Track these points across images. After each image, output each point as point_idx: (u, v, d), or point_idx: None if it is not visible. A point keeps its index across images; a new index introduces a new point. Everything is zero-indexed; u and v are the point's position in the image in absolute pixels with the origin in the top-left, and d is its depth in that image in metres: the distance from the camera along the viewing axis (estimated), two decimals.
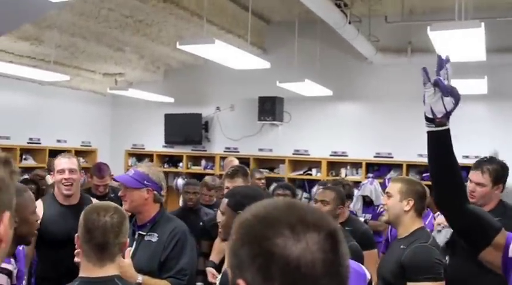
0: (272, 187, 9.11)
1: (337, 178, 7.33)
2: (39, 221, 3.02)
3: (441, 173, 2.03)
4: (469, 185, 3.49)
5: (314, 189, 9.16)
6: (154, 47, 8.51)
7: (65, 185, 3.87)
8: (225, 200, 2.81)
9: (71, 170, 3.89)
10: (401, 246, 3.16)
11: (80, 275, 2.34)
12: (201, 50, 5.47)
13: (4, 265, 2.63)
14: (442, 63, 2.00)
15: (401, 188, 3.29)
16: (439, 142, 2.00)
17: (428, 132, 2.01)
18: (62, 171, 3.88)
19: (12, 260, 2.73)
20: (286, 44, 8.92)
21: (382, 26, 8.38)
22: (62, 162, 3.92)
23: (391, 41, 8.69)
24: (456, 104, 1.97)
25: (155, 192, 3.35)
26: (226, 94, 10.18)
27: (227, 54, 5.61)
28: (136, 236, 3.34)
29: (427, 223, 5.31)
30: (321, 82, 7.98)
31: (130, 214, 4.69)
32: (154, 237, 3.29)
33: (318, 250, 1.01)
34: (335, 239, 1.05)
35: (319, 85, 7.93)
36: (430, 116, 1.98)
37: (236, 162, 7.64)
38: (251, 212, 1.09)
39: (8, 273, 2.67)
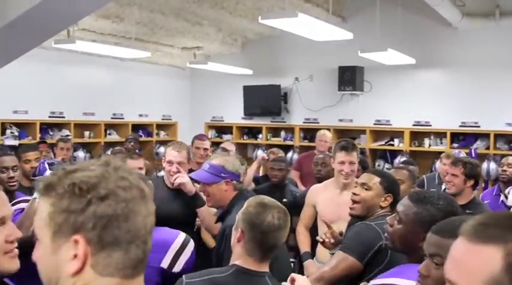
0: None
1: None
2: None
3: None
4: None
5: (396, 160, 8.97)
6: (231, 19, 8.45)
7: (171, 176, 3.94)
8: (377, 178, 3.10)
9: (179, 163, 3.95)
10: None
11: (234, 262, 2.40)
12: (283, 24, 5.36)
13: None
14: None
15: None
16: None
17: None
18: (170, 163, 3.95)
19: None
20: (365, 11, 8.70)
21: None
22: (172, 154, 3.97)
23: (477, 5, 8.28)
24: None
25: (234, 182, 3.34)
26: (304, 65, 10.03)
27: (309, 26, 5.47)
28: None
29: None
30: (403, 50, 7.73)
31: None
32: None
33: None
34: None
35: (401, 53, 7.68)
36: None
37: (329, 135, 7.56)
38: None
39: None
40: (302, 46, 9.11)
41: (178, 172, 3.89)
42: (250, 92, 10.43)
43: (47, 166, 3.32)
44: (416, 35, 8.83)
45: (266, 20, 5.13)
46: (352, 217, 3.21)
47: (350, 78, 9.32)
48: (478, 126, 8.67)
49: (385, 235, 2.41)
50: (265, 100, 10.28)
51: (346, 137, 9.26)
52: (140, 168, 4.75)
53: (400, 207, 2.33)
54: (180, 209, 3.75)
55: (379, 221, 2.95)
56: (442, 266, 1.80)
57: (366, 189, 3.09)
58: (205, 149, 5.45)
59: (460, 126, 8.81)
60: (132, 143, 7.92)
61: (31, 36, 5.01)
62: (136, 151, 7.49)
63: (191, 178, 3.68)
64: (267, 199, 2.51)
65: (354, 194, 3.14)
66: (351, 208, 3.16)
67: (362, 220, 3.09)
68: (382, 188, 3.07)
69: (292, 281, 2.30)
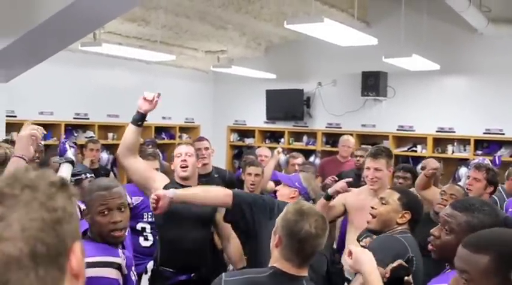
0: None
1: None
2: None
3: None
4: None
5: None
6: (256, 23, 8.48)
7: (181, 167, 4.03)
8: (396, 195, 3.12)
9: (187, 154, 4.08)
10: None
11: (273, 263, 2.41)
12: (309, 29, 5.38)
13: (113, 259, 2.61)
14: None
15: None
16: None
17: None
18: (179, 155, 4.09)
19: (120, 251, 2.69)
20: (389, 16, 8.66)
21: None
22: (180, 148, 4.20)
23: (504, 10, 8.21)
24: None
25: (301, 195, 3.69)
26: (328, 69, 10.02)
27: (334, 31, 5.48)
28: None
29: None
30: (427, 56, 7.68)
31: None
32: None
33: None
34: None
35: (426, 59, 7.64)
36: None
37: (352, 140, 7.57)
38: None
39: (118, 267, 2.64)
40: (325, 51, 9.09)
41: (187, 162, 4.03)
42: (273, 96, 10.43)
43: (67, 146, 3.24)
44: (441, 40, 8.77)
45: (292, 25, 5.15)
46: (368, 231, 3.23)
47: (373, 84, 9.29)
48: (503, 133, 8.59)
49: (430, 246, 2.36)
50: (288, 105, 10.28)
51: (369, 142, 9.31)
52: (157, 169, 4.82)
53: (447, 218, 2.29)
54: (189, 208, 3.76)
55: (400, 234, 2.98)
56: (471, 283, 1.71)
57: (383, 203, 3.11)
58: (206, 148, 5.50)
59: (484, 133, 8.73)
60: (149, 147, 7.99)
61: (58, 39, 5.09)
62: (157, 151, 7.55)
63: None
64: (306, 205, 2.50)
65: (372, 208, 3.18)
66: (368, 222, 3.19)
67: (378, 235, 3.10)
68: (400, 204, 3.07)
69: (350, 254, 2.31)
